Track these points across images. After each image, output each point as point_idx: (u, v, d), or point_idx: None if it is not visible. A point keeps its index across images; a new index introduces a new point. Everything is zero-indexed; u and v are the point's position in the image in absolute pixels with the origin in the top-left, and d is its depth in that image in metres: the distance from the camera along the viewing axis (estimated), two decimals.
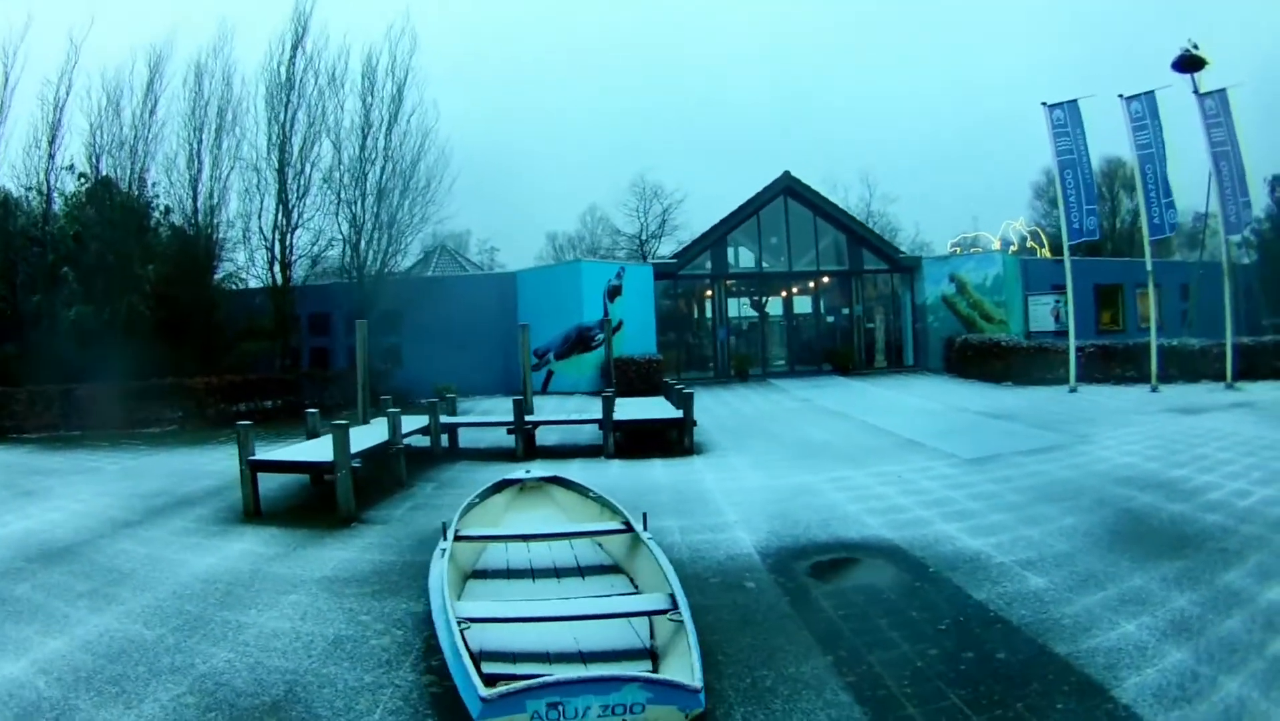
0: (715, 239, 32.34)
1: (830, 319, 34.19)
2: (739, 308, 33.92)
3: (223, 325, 26.01)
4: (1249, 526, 8.01)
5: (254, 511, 10.63)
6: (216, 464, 15.00)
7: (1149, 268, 22.10)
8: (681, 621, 5.09)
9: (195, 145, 26.18)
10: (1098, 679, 4.91)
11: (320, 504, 11.24)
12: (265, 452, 11.63)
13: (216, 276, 26.99)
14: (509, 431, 15.59)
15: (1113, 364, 24.09)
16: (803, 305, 34.38)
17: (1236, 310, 24.65)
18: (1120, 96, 21.61)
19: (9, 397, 21.66)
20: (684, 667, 4.58)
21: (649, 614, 5.46)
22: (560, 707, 4.03)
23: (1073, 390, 21.93)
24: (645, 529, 6.94)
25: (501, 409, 20.66)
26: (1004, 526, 8.44)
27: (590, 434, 16.68)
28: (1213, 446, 12.53)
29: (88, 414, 21.35)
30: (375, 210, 27.54)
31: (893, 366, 32.89)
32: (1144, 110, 21.22)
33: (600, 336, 27.53)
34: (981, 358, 27.04)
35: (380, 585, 7.52)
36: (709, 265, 32.40)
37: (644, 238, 55.08)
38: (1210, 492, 9.55)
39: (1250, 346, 23.02)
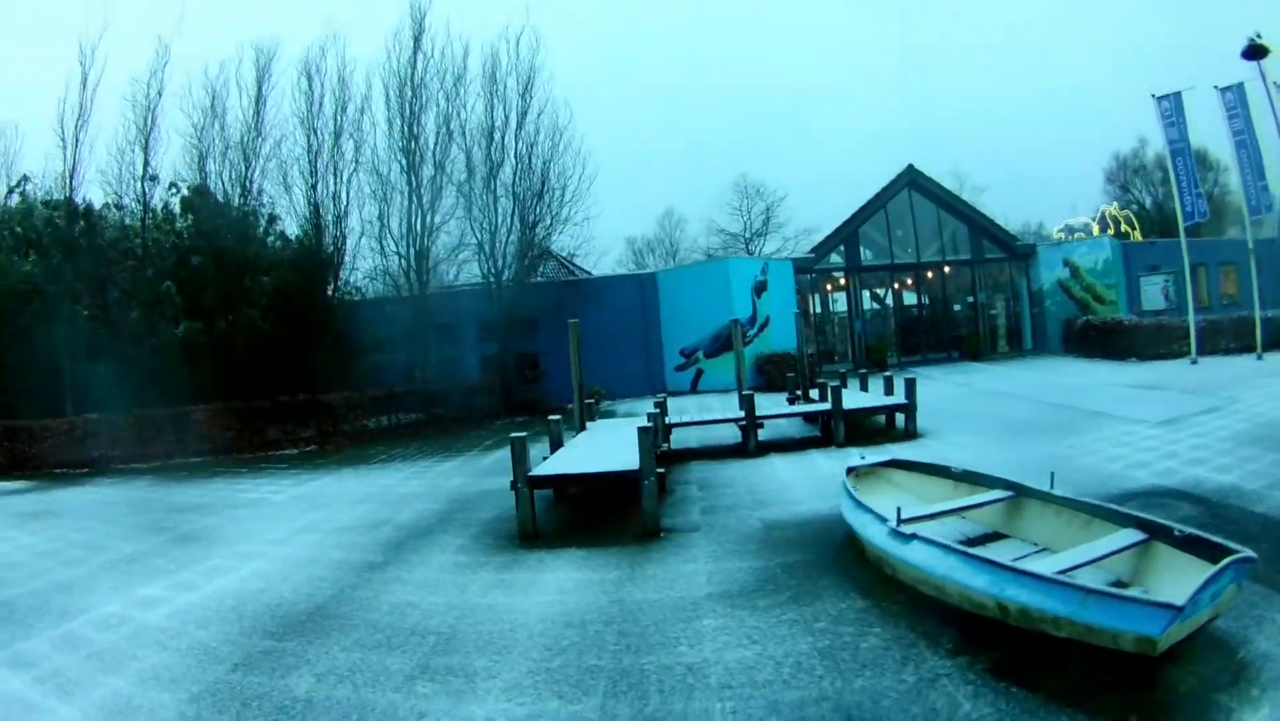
0: (847, 233, 34.76)
1: (955, 307, 36.76)
2: (866, 299, 36.16)
3: (348, 336, 25.03)
4: None
5: (533, 534, 9.90)
6: (406, 484, 14.56)
7: (1250, 246, 25.28)
8: (1157, 544, 6.52)
9: (314, 148, 25.92)
10: None
11: (589, 517, 11.04)
12: (541, 467, 10.92)
13: (339, 285, 26.53)
14: (740, 427, 15.95)
15: (1219, 337, 27.23)
16: (929, 294, 36.86)
17: None
18: (1215, 88, 24.64)
19: (110, 425, 20.22)
20: (1198, 570, 5.65)
21: (1142, 543, 6.60)
22: (1199, 599, 5.15)
23: (1193, 362, 24.83)
24: (1053, 487, 7.95)
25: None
26: (1232, 466, 11.16)
27: (789, 427, 17.87)
28: None
29: (204, 439, 20.36)
30: (511, 212, 27.65)
31: (1013, 350, 35.60)
32: (1236, 100, 24.35)
33: (752, 333, 28.92)
34: (1104, 337, 29.94)
35: (787, 592, 7.35)
36: (840, 258, 34.90)
37: (748, 235, 56.96)
38: None
39: None
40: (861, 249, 35.41)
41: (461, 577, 8.31)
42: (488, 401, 25.36)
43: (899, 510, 7.47)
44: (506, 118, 27.78)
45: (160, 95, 24.41)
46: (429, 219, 26.95)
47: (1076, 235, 38.03)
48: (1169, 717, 5.01)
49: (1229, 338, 27.50)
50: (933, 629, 6.27)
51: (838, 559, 8.32)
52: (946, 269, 36.23)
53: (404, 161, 26.65)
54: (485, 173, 27.45)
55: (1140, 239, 38.09)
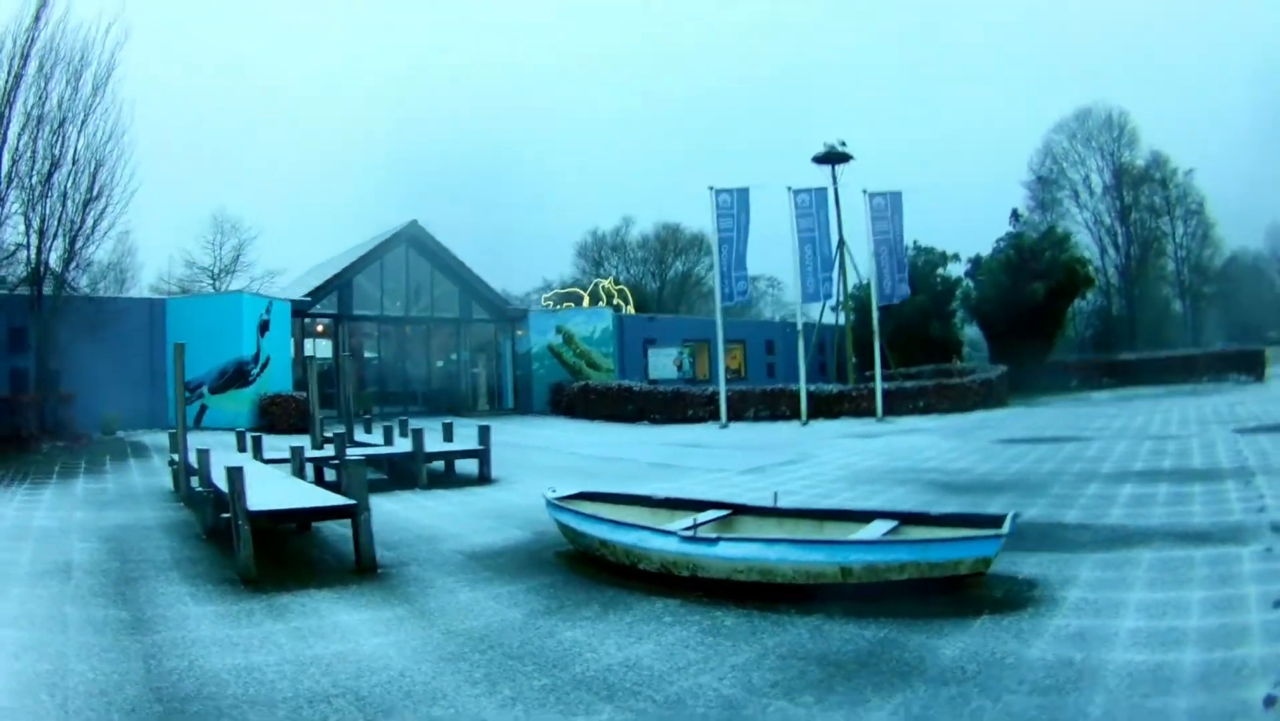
0: (342, 281, 36.17)
1: (439, 363, 39.52)
2: (354, 349, 37.14)
3: None
4: (1016, 478, 14.52)
5: (255, 577, 9.28)
6: (33, 519, 13.32)
7: (799, 328, 30.74)
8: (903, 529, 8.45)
9: None
10: (1049, 522, 10.30)
11: (267, 557, 10.01)
12: (259, 503, 9.91)
13: None
14: (334, 465, 16.43)
15: (746, 405, 31.81)
16: (418, 350, 39.09)
17: (826, 363, 34.22)
18: (789, 189, 30.23)
19: None
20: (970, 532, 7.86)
21: (895, 529, 8.39)
22: (1009, 531, 7.52)
23: (724, 426, 28.90)
24: (776, 502, 9.78)
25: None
26: (868, 495, 13.16)
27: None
28: (927, 453, 19.09)
29: None
30: (59, 216, 26.97)
31: (494, 409, 38.71)
32: (811, 201, 30.17)
33: (255, 371, 30.10)
34: (608, 401, 33.83)
35: (594, 604, 7.95)
36: (333, 306, 36.07)
37: (216, 271, 58.80)
38: (976, 469, 15.89)
39: (891, 391, 31.82)
40: (354, 298, 37.22)
41: (253, 631, 7.54)
42: (27, 423, 24.46)
43: (695, 520, 8.98)
44: (74, 113, 27.06)
45: None
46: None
47: (565, 305, 41.95)
48: (1014, 606, 7.07)
49: (760, 406, 32.30)
50: (762, 605, 7.53)
51: (588, 574, 9.23)
52: (437, 326, 39.56)
53: None
54: (45, 170, 26.64)
55: (634, 312, 43.20)
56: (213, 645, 7.13)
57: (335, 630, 7.51)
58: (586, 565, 9.55)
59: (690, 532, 8.56)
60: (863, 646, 6.32)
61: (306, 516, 11.05)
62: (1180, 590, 7.19)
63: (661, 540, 8.73)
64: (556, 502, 10.52)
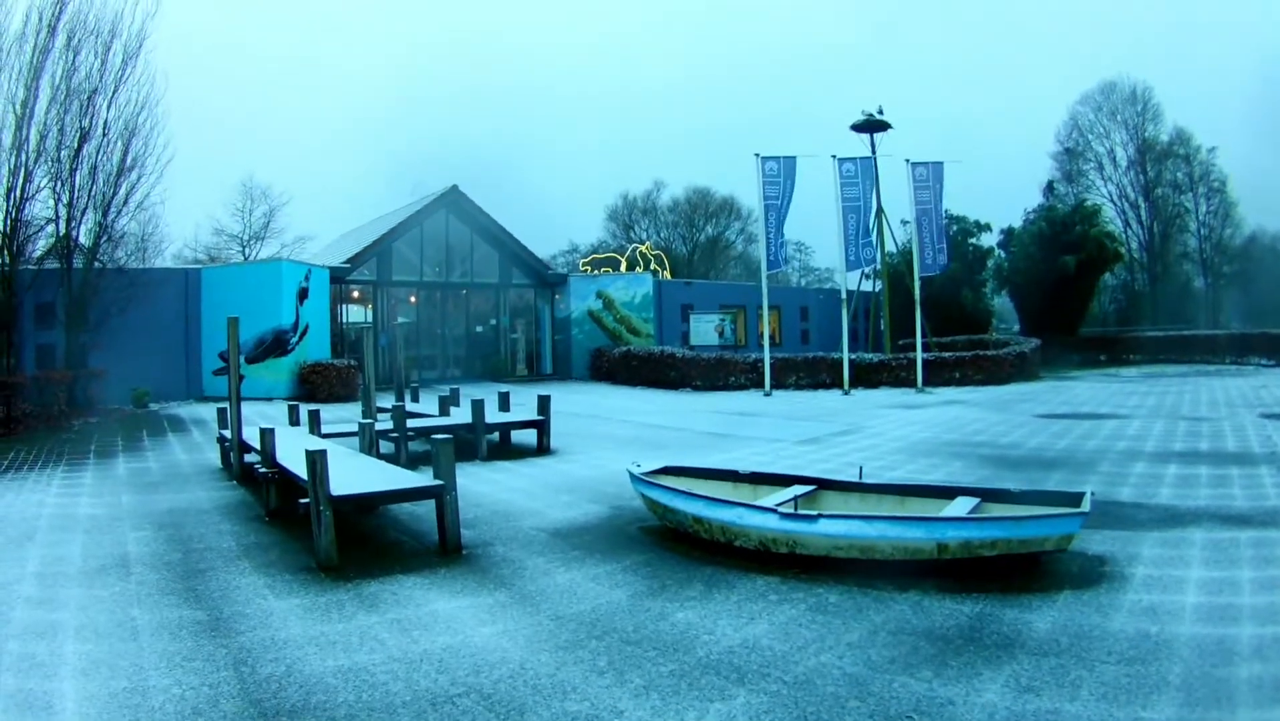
0: (381, 246, 36.60)
1: (479, 328, 40.32)
2: (392, 315, 38.23)
3: None
4: (1065, 454, 15.42)
5: (337, 564, 9.05)
6: (77, 504, 12.90)
7: (843, 296, 31.76)
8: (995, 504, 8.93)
9: None
10: (1106, 500, 10.73)
11: (348, 541, 9.66)
12: (341, 487, 9.55)
13: None
14: (392, 439, 16.18)
15: (788, 372, 32.74)
16: (456, 315, 39.95)
17: (865, 331, 35.08)
18: (833, 157, 30.91)
19: None
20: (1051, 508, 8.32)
21: (977, 506, 8.79)
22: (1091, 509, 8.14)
23: (767, 394, 29.75)
24: (861, 477, 10.38)
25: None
26: (928, 469, 13.89)
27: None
28: (974, 426, 19.91)
29: None
30: (89, 190, 27.47)
31: (533, 375, 39.50)
32: (855, 170, 30.82)
33: (294, 340, 30.54)
34: (650, 367, 34.68)
35: (697, 584, 8.11)
36: (371, 272, 36.76)
37: (246, 238, 60.08)
38: (1025, 444, 16.73)
39: (929, 361, 32.57)
40: (394, 264, 37.88)
41: (348, 626, 7.27)
42: (57, 399, 24.81)
43: (795, 499, 9.35)
44: (104, 84, 27.46)
45: None
46: (22, 187, 26.06)
47: (603, 270, 43.16)
48: (1090, 582, 7.76)
49: (801, 373, 33.51)
50: (861, 580, 7.97)
51: (679, 551, 9.46)
52: (477, 290, 40.51)
53: (16, 116, 25.77)
54: (75, 143, 26.97)
55: (670, 277, 44.48)
56: (308, 645, 6.83)
57: (436, 621, 7.32)
58: (675, 541, 9.73)
59: (790, 509, 8.88)
60: (963, 621, 6.80)
61: (393, 499, 10.79)
62: (1231, 570, 7.95)
63: (760, 517, 8.93)
64: (643, 478, 10.65)
